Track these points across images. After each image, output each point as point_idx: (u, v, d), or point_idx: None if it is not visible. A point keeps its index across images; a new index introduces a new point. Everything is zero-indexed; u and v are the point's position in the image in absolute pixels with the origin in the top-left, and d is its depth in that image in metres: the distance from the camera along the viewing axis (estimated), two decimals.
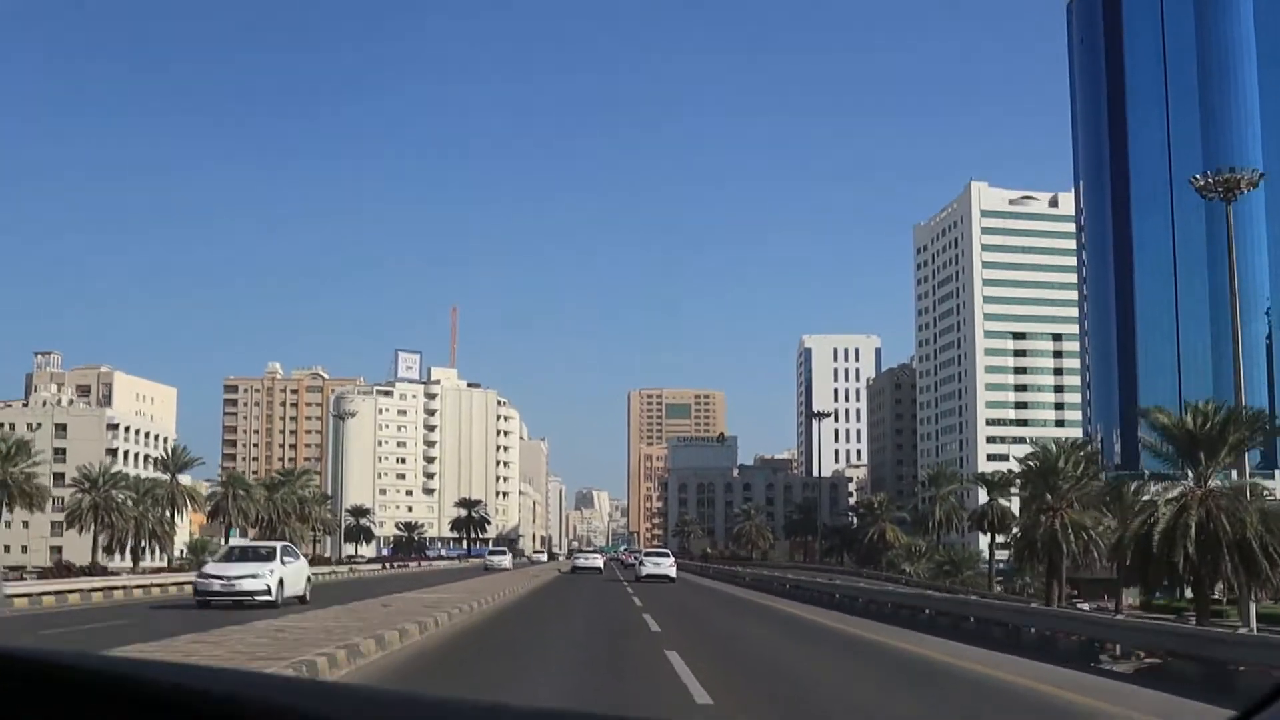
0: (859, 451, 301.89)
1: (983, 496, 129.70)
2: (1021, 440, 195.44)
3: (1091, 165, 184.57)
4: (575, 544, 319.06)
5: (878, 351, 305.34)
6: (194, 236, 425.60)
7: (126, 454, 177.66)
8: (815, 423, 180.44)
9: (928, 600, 39.57)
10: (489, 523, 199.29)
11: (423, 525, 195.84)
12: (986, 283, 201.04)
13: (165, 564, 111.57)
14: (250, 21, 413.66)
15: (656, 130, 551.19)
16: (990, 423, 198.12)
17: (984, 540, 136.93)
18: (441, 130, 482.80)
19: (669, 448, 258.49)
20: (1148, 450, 46.68)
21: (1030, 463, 63.19)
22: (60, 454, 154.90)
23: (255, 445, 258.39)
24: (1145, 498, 47.75)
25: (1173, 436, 45.19)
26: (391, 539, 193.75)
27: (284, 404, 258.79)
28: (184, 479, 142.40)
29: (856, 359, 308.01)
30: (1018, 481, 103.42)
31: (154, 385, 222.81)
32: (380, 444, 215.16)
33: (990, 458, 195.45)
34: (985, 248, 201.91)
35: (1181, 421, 44.87)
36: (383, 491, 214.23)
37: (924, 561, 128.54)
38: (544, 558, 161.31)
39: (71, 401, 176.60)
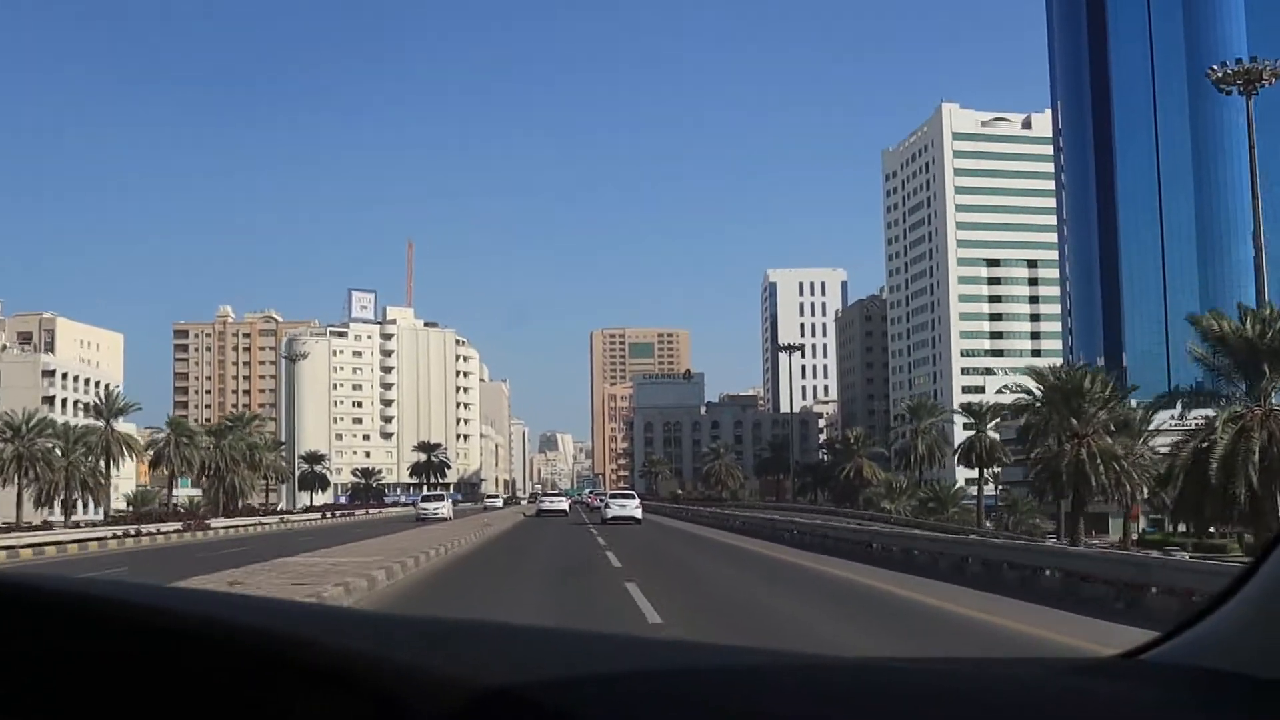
0: (827, 387, 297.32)
1: (959, 431, 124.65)
2: (994, 371, 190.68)
3: (1070, 83, 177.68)
4: (539, 488, 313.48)
5: (844, 285, 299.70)
6: (145, 183, 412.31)
7: (65, 402, 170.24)
8: (786, 356, 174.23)
9: (915, 540, 34.72)
10: (449, 467, 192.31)
11: (381, 471, 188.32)
12: (959, 208, 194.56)
13: (101, 517, 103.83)
14: None
15: (615, 63, 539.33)
16: (965, 354, 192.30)
17: (962, 475, 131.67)
18: (397, 62, 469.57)
19: (634, 386, 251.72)
20: (1201, 363, 40.12)
21: (1047, 382, 56.29)
22: None
23: (208, 393, 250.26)
24: (1188, 423, 41.33)
25: (1229, 347, 38.66)
26: (349, 486, 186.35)
27: (236, 349, 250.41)
28: (126, 427, 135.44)
29: (823, 293, 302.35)
30: (1006, 413, 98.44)
31: (99, 331, 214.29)
32: (335, 387, 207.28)
33: (966, 389, 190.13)
34: (958, 172, 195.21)
35: (1240, 329, 38.33)
36: (339, 437, 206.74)
37: (904, 498, 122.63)
38: (498, 503, 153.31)
39: (5, 347, 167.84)
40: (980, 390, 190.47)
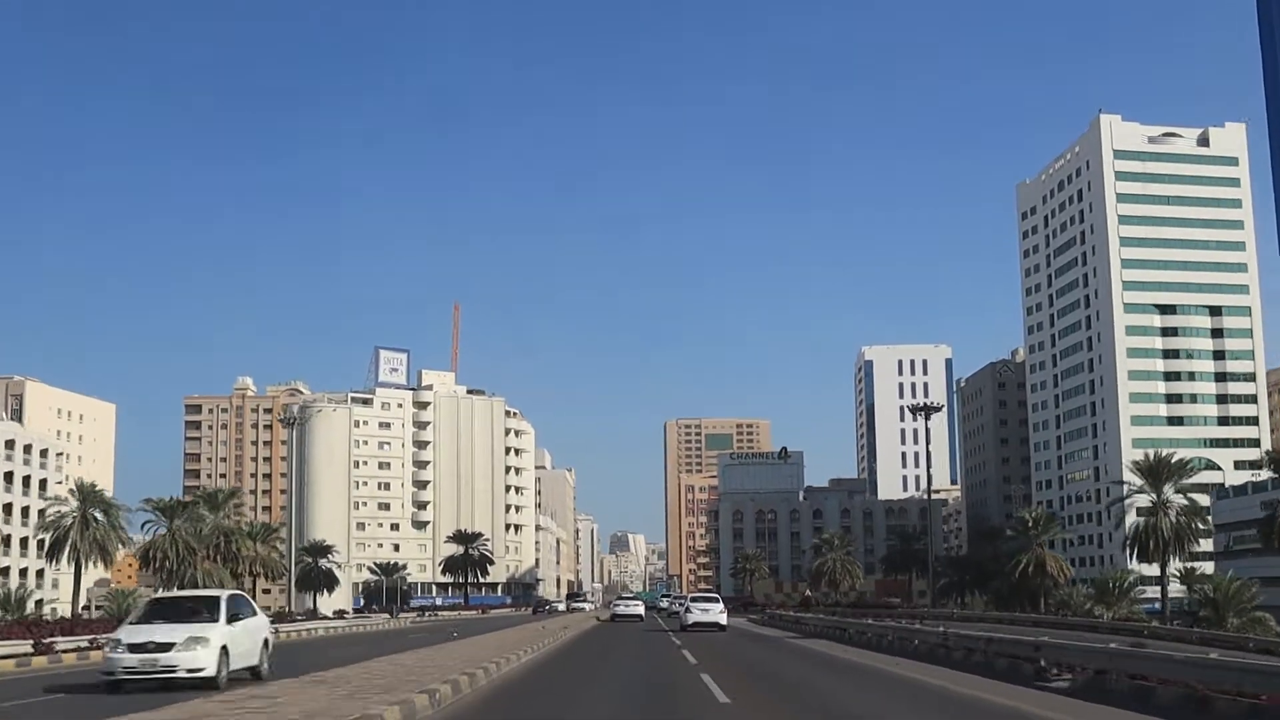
0: (931, 476, 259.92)
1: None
2: (1176, 443, 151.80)
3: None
4: (592, 589, 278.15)
5: (948, 363, 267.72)
6: (171, 225, 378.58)
7: (30, 481, 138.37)
8: (900, 438, 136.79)
9: None
10: (492, 563, 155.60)
11: (405, 567, 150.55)
12: (1125, 242, 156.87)
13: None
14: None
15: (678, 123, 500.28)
16: (1136, 421, 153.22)
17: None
18: (440, 121, 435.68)
19: (719, 467, 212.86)
20: None
21: None
22: None
23: (223, 476, 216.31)
24: None
25: None
26: (367, 585, 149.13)
27: (256, 426, 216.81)
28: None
29: (925, 372, 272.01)
30: None
31: (84, 400, 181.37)
32: (357, 465, 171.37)
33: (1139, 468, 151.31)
34: (1122, 198, 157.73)
35: None
36: (361, 526, 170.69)
37: (1125, 602, 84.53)
38: (561, 606, 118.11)
39: None
40: None
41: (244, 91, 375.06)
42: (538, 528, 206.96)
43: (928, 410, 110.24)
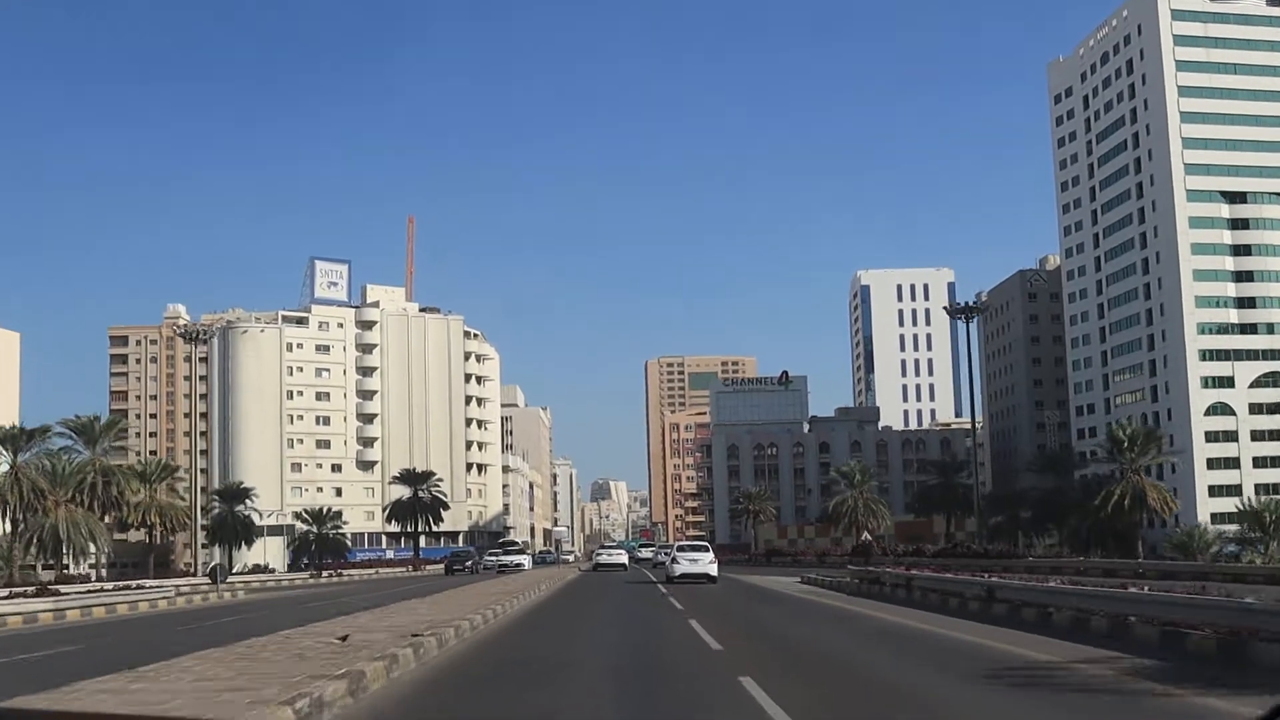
0: (931, 411, 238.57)
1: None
2: (1253, 355, 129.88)
3: None
4: (571, 538, 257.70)
5: (951, 287, 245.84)
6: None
7: None
8: (901, 365, 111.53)
9: None
10: (447, 507, 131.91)
11: (340, 515, 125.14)
12: (1186, 118, 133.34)
13: None
14: None
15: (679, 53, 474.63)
16: (1203, 329, 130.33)
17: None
18: (417, 43, 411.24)
19: (711, 396, 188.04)
20: None
21: None
22: None
23: (153, 416, 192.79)
24: None
25: None
26: (298, 536, 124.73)
27: (191, 359, 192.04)
28: None
29: (926, 297, 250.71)
30: None
31: None
32: (291, 396, 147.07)
33: (1208, 382, 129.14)
34: (1182, 66, 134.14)
35: None
36: (296, 466, 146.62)
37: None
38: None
39: None
40: (1228, 383, 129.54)
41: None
42: (506, 469, 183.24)
43: (969, 311, 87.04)
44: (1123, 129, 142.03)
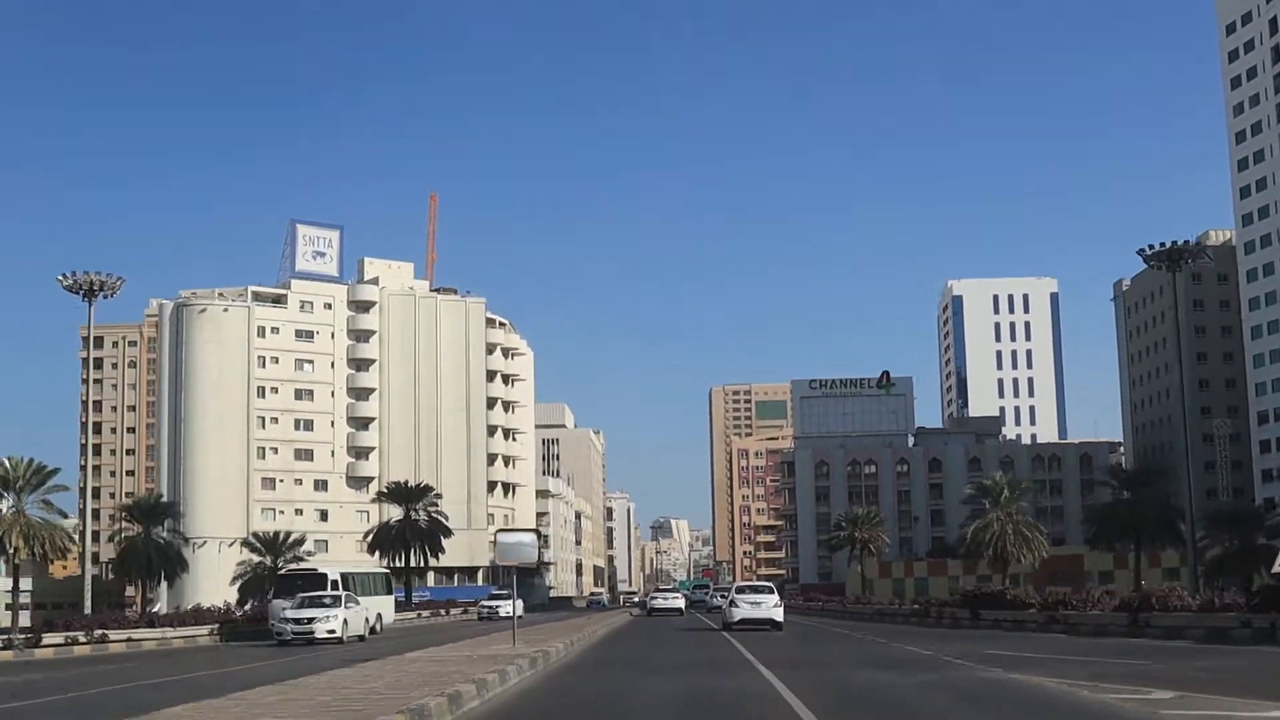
0: (1033, 435, 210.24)
1: None
2: None
3: None
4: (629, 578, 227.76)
5: (1054, 298, 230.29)
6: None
7: None
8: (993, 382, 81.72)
9: None
10: (449, 534, 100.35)
11: (302, 542, 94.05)
12: None
13: None
14: None
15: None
16: None
17: None
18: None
19: (794, 400, 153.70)
20: None
21: None
22: None
23: (130, 430, 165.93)
24: None
25: None
26: (250, 569, 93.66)
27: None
28: None
29: (1025, 309, 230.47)
30: None
31: None
32: (262, 394, 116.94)
33: None
34: None
35: None
36: (268, 482, 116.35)
37: None
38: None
39: None
40: None
41: None
42: (544, 493, 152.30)
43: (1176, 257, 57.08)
44: None
